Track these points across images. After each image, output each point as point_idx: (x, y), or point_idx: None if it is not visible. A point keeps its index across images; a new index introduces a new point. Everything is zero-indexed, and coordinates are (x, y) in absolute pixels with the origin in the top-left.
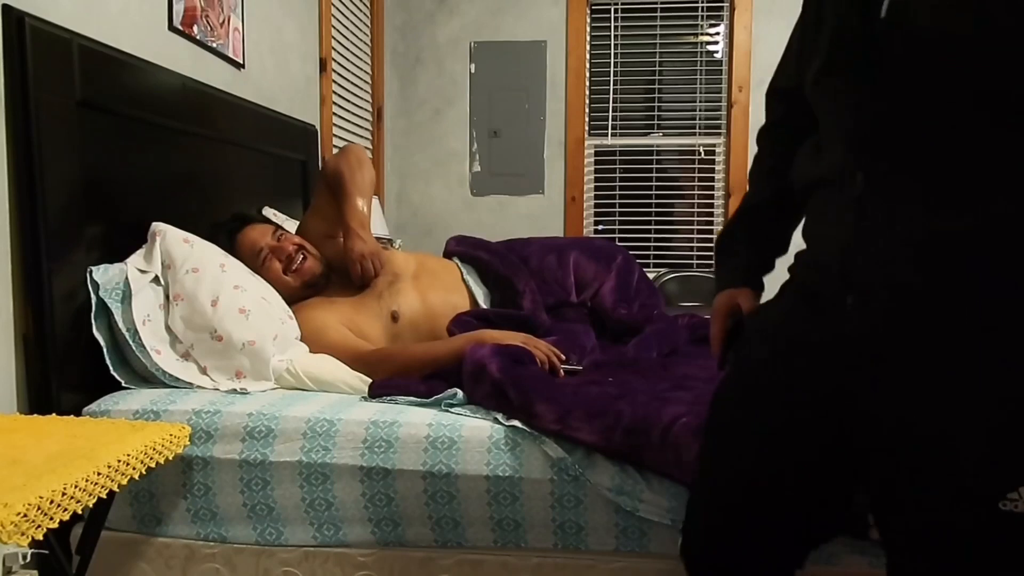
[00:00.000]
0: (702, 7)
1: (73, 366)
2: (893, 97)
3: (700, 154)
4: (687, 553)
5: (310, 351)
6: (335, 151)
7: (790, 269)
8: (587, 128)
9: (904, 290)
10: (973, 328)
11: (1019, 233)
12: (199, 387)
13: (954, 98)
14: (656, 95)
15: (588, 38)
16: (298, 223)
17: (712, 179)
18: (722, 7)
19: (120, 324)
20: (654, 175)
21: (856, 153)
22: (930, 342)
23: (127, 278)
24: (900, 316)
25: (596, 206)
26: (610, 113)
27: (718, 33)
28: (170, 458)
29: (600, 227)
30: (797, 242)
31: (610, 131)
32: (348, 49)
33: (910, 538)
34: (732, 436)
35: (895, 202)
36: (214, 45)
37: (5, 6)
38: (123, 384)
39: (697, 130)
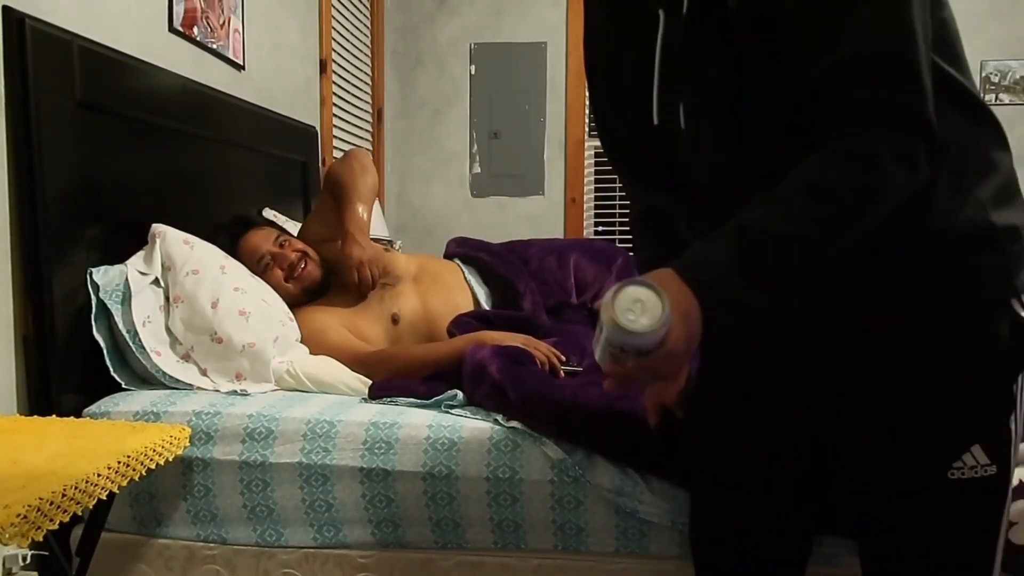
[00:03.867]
0: None
1: (73, 367)
2: (710, 191)
3: None
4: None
5: (310, 353)
6: (334, 152)
7: None
8: (587, 129)
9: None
10: (880, 336)
11: (878, 258)
12: (199, 388)
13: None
14: None
15: None
16: (298, 224)
17: None
18: None
19: (120, 325)
20: None
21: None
22: (849, 350)
23: (127, 279)
24: (820, 330)
25: (596, 207)
26: None
27: None
28: (170, 459)
29: (600, 228)
30: None
31: None
32: (348, 50)
33: (876, 522)
34: (710, 442)
35: None
36: (214, 46)
37: (5, 7)
38: (123, 385)
39: None
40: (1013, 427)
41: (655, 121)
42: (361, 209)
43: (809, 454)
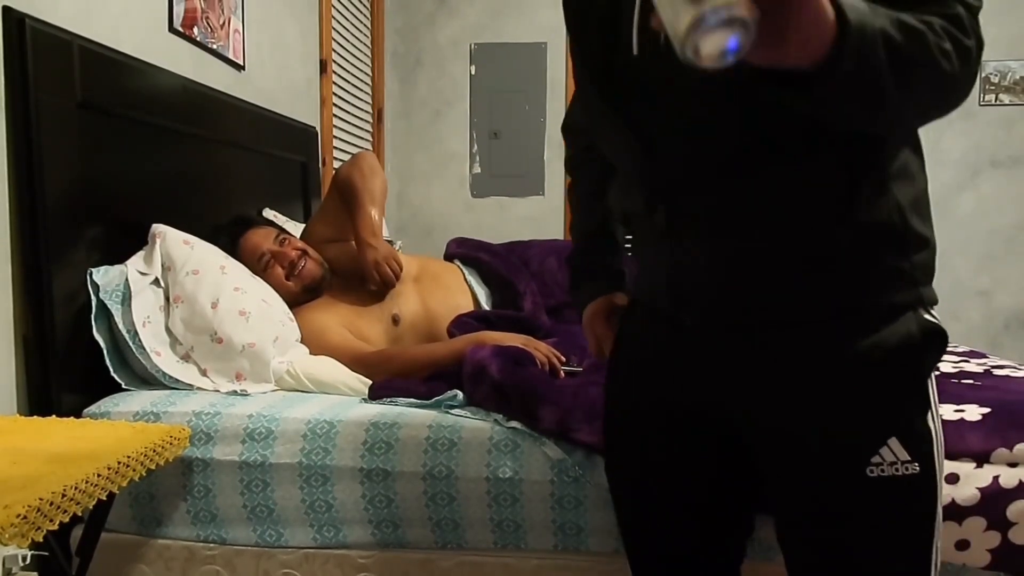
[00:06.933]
0: None
1: (73, 368)
2: (665, 139)
3: None
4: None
5: (310, 353)
6: (335, 152)
7: (632, 291)
8: None
9: (726, 306)
10: (790, 329)
11: (799, 241)
12: (199, 389)
13: (725, 133)
14: None
15: None
16: (298, 224)
17: None
18: None
19: (120, 326)
20: None
21: (651, 192)
22: (763, 348)
23: (127, 280)
24: (731, 329)
25: None
26: None
27: None
28: (170, 460)
29: None
30: None
31: None
32: (348, 51)
33: (799, 523)
34: (625, 459)
35: (697, 230)
36: (214, 47)
37: (5, 7)
38: (123, 386)
39: None
40: (933, 426)
41: (634, 51)
42: (373, 213)
43: (735, 467)
